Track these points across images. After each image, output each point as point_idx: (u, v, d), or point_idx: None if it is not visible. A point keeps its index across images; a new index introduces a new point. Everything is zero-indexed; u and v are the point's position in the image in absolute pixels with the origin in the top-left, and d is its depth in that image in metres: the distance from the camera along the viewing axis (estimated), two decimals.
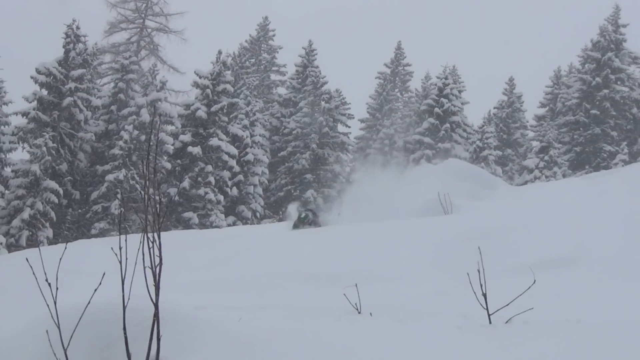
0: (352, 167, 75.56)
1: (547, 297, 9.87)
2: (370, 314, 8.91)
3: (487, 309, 8.17)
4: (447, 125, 66.82)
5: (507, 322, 8.06)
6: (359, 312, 9.15)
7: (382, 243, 16.34)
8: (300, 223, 27.26)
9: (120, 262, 6.38)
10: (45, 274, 6.39)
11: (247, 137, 61.12)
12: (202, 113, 55.48)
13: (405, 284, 12.13)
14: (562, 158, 65.17)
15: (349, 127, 72.97)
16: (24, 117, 52.06)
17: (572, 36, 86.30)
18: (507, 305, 8.32)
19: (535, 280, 8.72)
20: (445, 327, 7.87)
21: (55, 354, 6.47)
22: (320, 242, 17.99)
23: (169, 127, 56.04)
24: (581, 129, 69.43)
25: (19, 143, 51.37)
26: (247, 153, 61.11)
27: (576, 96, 70.62)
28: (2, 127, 49.73)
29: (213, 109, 55.96)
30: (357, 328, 7.99)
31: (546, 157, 62.86)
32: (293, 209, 35.68)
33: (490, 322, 8.06)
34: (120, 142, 52.57)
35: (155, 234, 6.42)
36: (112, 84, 59.73)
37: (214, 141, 54.68)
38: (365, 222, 22.13)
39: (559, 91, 75.67)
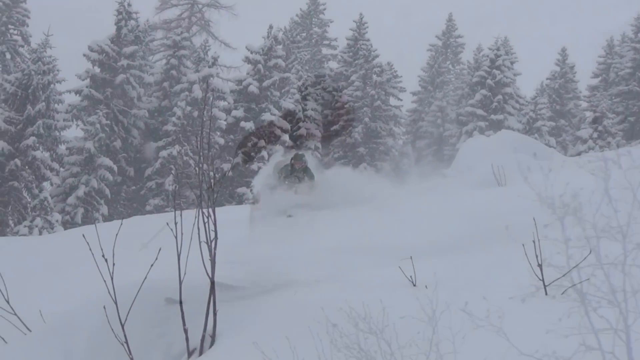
0: (405, 140, 75.51)
1: (603, 267, 9.75)
2: (426, 286, 8.88)
3: (542, 280, 8.11)
4: (500, 96, 66.41)
5: (563, 293, 7.99)
6: (414, 285, 9.13)
7: (436, 216, 16.27)
8: (297, 162, 22.04)
9: (176, 238, 6.42)
10: (101, 250, 6.44)
11: (299, 111, 61.23)
12: (253, 88, 55.57)
13: (459, 257, 12.05)
14: (615, 128, 64.49)
15: (401, 100, 72.94)
16: (77, 94, 52.67)
17: (624, 5, 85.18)
18: (563, 276, 8.23)
19: (590, 251, 8.64)
20: (501, 299, 7.82)
21: (112, 329, 6.53)
22: (372, 216, 17.95)
23: (221, 103, 56.30)
24: (635, 98, 68.73)
25: (72, 121, 51.99)
26: (299, 127, 61.21)
27: (629, 65, 69.92)
28: (56, 105, 50.19)
29: (265, 84, 56.03)
30: (413, 300, 7.98)
31: (600, 128, 62.24)
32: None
33: (546, 294, 8.01)
34: (173, 119, 52.97)
35: (210, 209, 6.45)
36: (164, 61, 60.15)
37: (266, 116, 54.73)
38: (420, 196, 22.05)
39: (612, 61, 74.89)
